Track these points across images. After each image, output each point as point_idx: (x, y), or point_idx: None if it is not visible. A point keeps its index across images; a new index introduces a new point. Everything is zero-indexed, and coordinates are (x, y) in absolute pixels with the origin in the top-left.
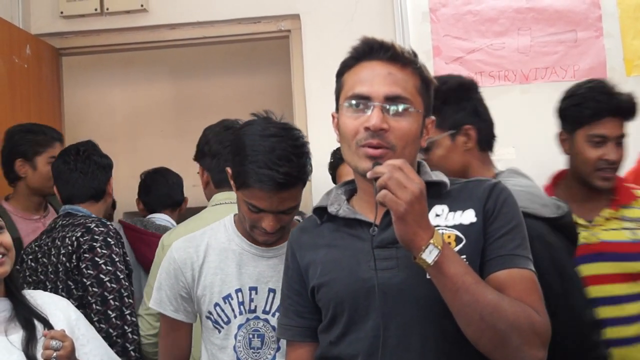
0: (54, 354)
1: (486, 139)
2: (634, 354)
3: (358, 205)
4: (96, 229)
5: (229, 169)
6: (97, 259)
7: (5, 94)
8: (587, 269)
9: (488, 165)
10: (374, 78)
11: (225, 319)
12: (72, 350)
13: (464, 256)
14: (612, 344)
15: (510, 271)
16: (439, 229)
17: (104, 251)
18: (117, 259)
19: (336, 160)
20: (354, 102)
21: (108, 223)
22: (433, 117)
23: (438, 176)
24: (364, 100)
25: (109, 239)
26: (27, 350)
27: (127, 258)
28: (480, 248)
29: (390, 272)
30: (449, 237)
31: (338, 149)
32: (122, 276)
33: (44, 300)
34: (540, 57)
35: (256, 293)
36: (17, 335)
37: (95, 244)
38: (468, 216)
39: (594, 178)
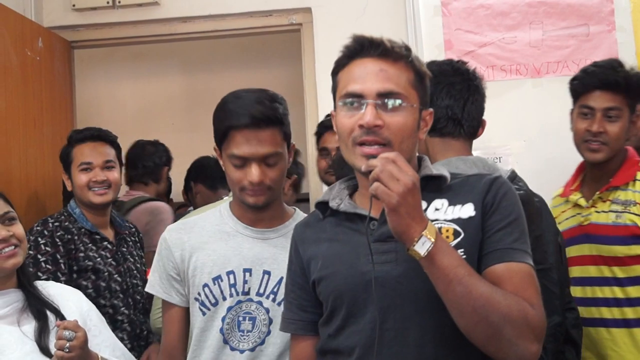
0: (67, 344)
1: (460, 129)
2: (615, 336)
3: (359, 200)
4: (34, 227)
5: (215, 147)
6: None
7: (18, 87)
8: (575, 250)
9: (454, 153)
10: (366, 75)
11: (213, 301)
12: (84, 341)
13: (462, 250)
14: (590, 323)
15: (507, 265)
16: (437, 223)
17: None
18: (41, 259)
19: (320, 129)
20: (348, 100)
21: (49, 221)
22: (431, 110)
23: (439, 170)
24: (357, 98)
25: (38, 239)
26: (40, 341)
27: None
28: (479, 242)
29: (389, 265)
30: (447, 230)
31: (325, 119)
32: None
33: (55, 291)
34: (552, 51)
35: (250, 275)
36: (30, 326)
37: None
38: (467, 210)
39: (583, 150)
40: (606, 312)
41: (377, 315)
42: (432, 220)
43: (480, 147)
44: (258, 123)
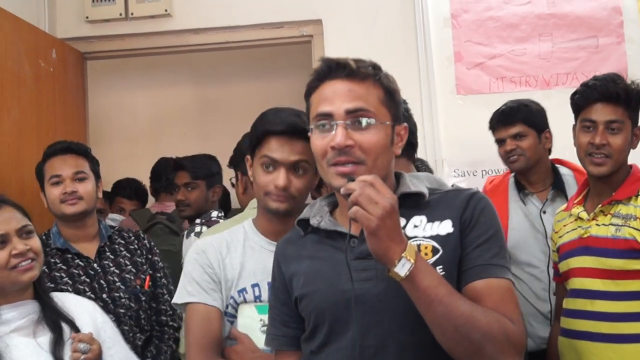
0: (82, 357)
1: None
2: (601, 350)
3: (340, 218)
4: None
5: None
6: None
7: (32, 98)
8: (574, 262)
9: (400, 169)
10: (335, 96)
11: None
12: (99, 353)
13: (441, 267)
14: (580, 336)
15: (486, 281)
16: (416, 240)
17: None
18: None
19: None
20: (319, 122)
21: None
22: (405, 124)
23: (417, 187)
24: (327, 119)
25: None
26: (55, 353)
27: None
28: (458, 258)
29: (369, 282)
30: (426, 247)
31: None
32: None
33: (71, 303)
34: (562, 63)
35: None
36: (45, 338)
37: None
38: (445, 227)
39: (586, 164)
40: (597, 326)
41: (357, 333)
42: (411, 237)
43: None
44: (292, 132)
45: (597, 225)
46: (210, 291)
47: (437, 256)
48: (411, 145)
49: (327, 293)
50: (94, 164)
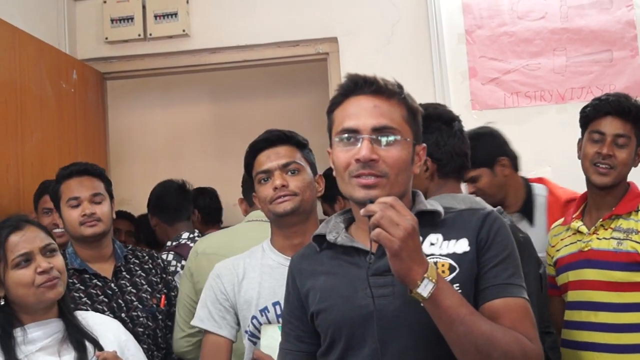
0: None
1: (447, 169)
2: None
3: (356, 234)
4: None
5: (253, 194)
6: None
7: (54, 118)
8: (574, 275)
9: (444, 189)
10: (361, 112)
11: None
12: None
13: (457, 284)
14: (584, 347)
15: (504, 300)
16: (433, 258)
17: None
18: None
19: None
20: (344, 136)
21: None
22: (424, 145)
23: (433, 205)
24: (353, 133)
25: None
26: None
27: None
28: (474, 277)
29: (386, 299)
30: (442, 265)
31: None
32: None
33: (95, 322)
34: (576, 77)
35: None
36: (70, 356)
37: None
38: (462, 245)
39: (591, 173)
40: (602, 337)
41: (378, 349)
42: (428, 255)
43: None
44: (274, 140)
45: (598, 239)
46: (220, 319)
47: (454, 274)
48: (463, 167)
49: (344, 309)
50: (108, 185)
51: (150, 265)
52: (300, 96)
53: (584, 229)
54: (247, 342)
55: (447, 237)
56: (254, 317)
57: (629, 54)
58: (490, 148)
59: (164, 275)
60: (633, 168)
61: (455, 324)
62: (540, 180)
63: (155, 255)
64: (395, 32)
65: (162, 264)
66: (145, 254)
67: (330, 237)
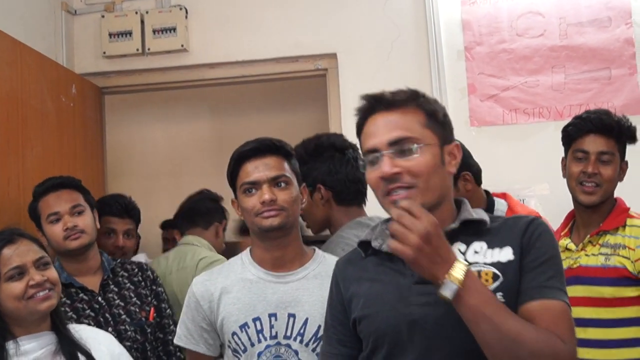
0: None
1: (344, 196)
2: None
3: None
4: None
5: (232, 199)
6: None
7: (53, 132)
8: None
9: (348, 216)
10: (377, 130)
11: (243, 347)
12: None
13: (501, 293)
14: None
15: (540, 302)
16: (477, 266)
17: None
18: None
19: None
20: (369, 158)
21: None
22: (456, 142)
23: (479, 214)
24: (374, 153)
25: None
26: None
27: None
28: (518, 285)
29: (429, 307)
30: (486, 274)
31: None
32: None
33: (87, 335)
34: (575, 94)
35: (276, 319)
36: None
37: None
38: (506, 254)
39: (577, 193)
40: (594, 354)
41: (421, 357)
42: (472, 263)
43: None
44: (264, 149)
45: (587, 255)
46: (198, 337)
47: (498, 283)
48: (360, 193)
49: (387, 316)
50: (87, 195)
51: (140, 278)
52: (299, 112)
53: (572, 246)
54: (231, 355)
55: (491, 245)
56: (234, 333)
57: (628, 72)
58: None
59: (154, 287)
60: (620, 183)
61: (480, 322)
62: (502, 195)
63: (145, 266)
64: (395, 49)
65: (151, 276)
66: (134, 266)
67: (375, 244)
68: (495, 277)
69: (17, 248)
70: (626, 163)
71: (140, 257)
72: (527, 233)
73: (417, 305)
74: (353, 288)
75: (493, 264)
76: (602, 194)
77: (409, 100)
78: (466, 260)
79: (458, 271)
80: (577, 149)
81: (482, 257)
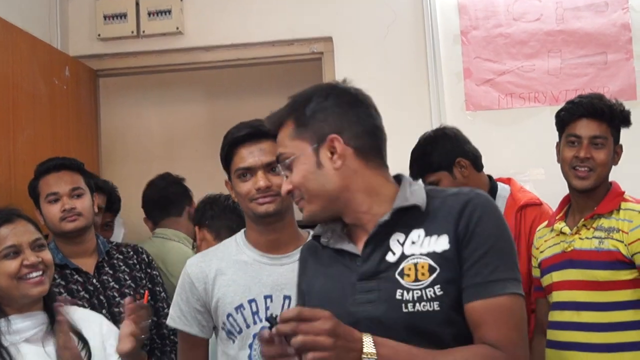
0: None
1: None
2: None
3: (354, 232)
4: None
5: (226, 180)
6: None
7: (46, 115)
8: (558, 275)
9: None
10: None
11: (238, 329)
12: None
13: (438, 286)
14: (567, 347)
15: (483, 302)
16: (413, 258)
17: None
18: None
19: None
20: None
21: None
22: (333, 135)
23: (414, 197)
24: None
25: None
26: None
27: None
28: (456, 276)
29: (372, 305)
30: (422, 267)
31: None
32: None
33: (79, 316)
34: (571, 79)
35: (271, 301)
36: (53, 347)
37: None
38: (442, 243)
39: (571, 178)
40: (588, 337)
41: None
42: (408, 256)
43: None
44: (258, 134)
45: (581, 239)
46: (191, 319)
47: (434, 275)
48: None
49: (335, 314)
50: (89, 178)
51: (135, 261)
52: None
53: (567, 229)
54: (226, 339)
55: (428, 232)
56: (229, 314)
57: (624, 57)
58: (447, 150)
59: (149, 270)
60: (615, 167)
61: None
62: (507, 180)
63: (140, 249)
64: (391, 33)
65: (146, 259)
66: (130, 249)
67: (323, 240)
68: (431, 270)
69: (15, 228)
70: (620, 147)
71: (117, 223)
72: (463, 218)
73: (361, 303)
74: (309, 281)
75: (429, 254)
76: (596, 179)
77: (274, 123)
78: (404, 253)
79: (368, 346)
80: (570, 133)
81: (418, 247)
